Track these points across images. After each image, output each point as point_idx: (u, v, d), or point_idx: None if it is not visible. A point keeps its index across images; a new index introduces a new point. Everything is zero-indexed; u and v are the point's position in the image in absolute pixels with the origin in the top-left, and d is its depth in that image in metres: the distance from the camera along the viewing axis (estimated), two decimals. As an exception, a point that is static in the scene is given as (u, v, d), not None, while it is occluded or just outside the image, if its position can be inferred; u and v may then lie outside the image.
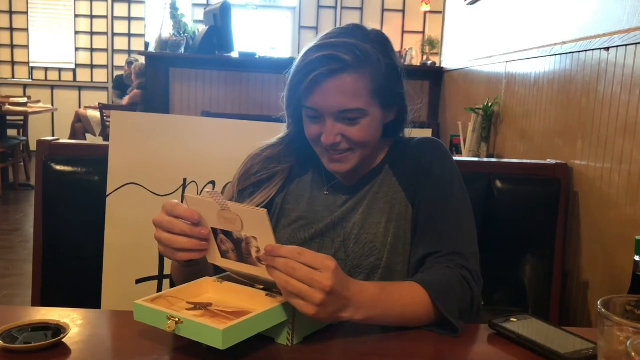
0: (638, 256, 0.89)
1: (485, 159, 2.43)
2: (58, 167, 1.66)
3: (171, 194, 1.63)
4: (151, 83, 4.29)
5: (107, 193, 1.60)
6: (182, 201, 1.65)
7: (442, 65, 4.51)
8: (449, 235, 1.09)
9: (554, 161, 1.79)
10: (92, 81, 8.59)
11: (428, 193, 1.14)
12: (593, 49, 1.70)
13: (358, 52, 1.05)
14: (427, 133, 1.55)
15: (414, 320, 0.95)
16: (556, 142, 1.98)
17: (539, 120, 2.18)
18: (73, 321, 0.92)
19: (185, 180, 1.64)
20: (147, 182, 1.62)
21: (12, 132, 6.79)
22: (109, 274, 1.59)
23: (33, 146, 7.60)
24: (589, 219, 1.68)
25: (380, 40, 1.12)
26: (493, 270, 1.69)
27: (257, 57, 4.27)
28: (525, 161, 1.90)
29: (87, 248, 1.62)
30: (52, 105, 8.09)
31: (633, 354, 0.51)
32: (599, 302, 0.59)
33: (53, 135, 8.16)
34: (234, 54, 4.41)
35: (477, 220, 1.68)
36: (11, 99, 6.80)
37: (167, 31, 4.84)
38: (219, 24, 4.33)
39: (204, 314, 0.88)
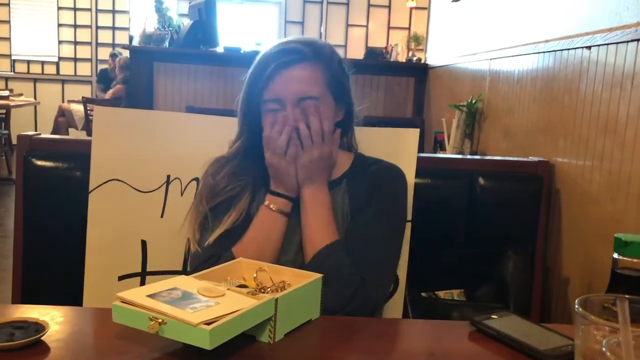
0: (617, 254, 0.90)
1: (469, 156, 2.44)
2: (39, 163, 1.64)
3: (155, 190, 1.62)
4: (135, 77, 4.26)
5: (90, 190, 1.57)
6: (165, 197, 1.66)
7: (427, 62, 4.52)
8: (363, 262, 1.19)
9: (536, 158, 1.80)
10: (75, 74, 8.49)
11: (363, 218, 1.24)
12: (575, 48, 1.71)
13: (313, 46, 1.21)
14: (414, 133, 1.53)
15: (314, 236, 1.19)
16: (538, 139, 1.99)
17: (522, 118, 2.19)
18: (53, 319, 0.91)
19: (169, 177, 1.62)
20: (130, 178, 1.60)
21: (-8, 125, 6.71)
22: (90, 271, 1.57)
23: (15, 140, 7.46)
24: (570, 216, 1.70)
25: (327, 44, 1.28)
26: (475, 267, 1.71)
27: (242, 52, 4.26)
28: (507, 158, 1.92)
29: (69, 244, 1.59)
30: (35, 98, 7.99)
31: (608, 353, 0.52)
32: (576, 302, 0.60)
33: (36, 129, 8.09)
34: (219, 49, 4.38)
35: (460, 216, 1.71)
36: (-7, 92, 6.72)
37: (152, 25, 4.80)
38: (203, 18, 4.30)
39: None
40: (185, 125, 1.66)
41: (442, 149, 3.04)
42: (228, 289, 0.95)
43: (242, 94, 1.27)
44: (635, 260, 0.88)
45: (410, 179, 1.44)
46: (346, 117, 1.30)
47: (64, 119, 7.16)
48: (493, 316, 0.98)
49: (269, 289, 1.05)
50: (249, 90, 1.24)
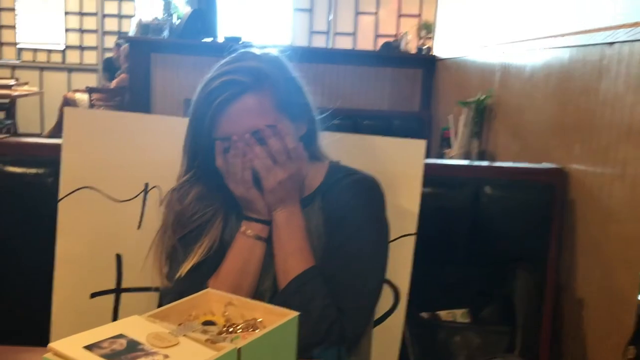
0: (642, 296, 0.76)
1: (475, 163, 2.29)
2: (6, 168, 1.53)
3: (131, 199, 1.49)
4: (132, 69, 4.13)
5: (59, 198, 1.46)
6: (143, 207, 1.54)
7: (435, 54, 4.36)
8: (341, 291, 1.11)
9: (548, 165, 1.65)
10: (81, 63, 8.41)
11: (339, 240, 1.14)
12: (595, 44, 1.55)
13: (254, 72, 1.09)
14: (421, 145, 1.40)
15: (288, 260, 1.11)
16: (551, 143, 1.84)
17: (534, 118, 2.04)
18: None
19: (147, 185, 1.50)
20: (104, 186, 1.48)
21: (-1, 115, 6.67)
22: (60, 287, 1.46)
23: (22, 128, 7.47)
24: (585, 231, 1.54)
25: (272, 58, 1.16)
26: (480, 285, 1.58)
27: (240, 42, 4.11)
28: (516, 165, 1.77)
29: (37, 260, 1.47)
30: (41, 87, 7.94)
31: None
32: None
33: (42, 118, 7.99)
34: (220, 39, 4.24)
35: (464, 229, 1.57)
36: (-2, 81, 6.68)
37: (153, 14, 4.66)
38: (203, 6, 4.16)
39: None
40: (164, 128, 1.53)
41: (449, 146, 2.89)
42: (184, 335, 0.82)
43: (188, 133, 1.16)
44: (664, 305, 0.74)
45: (417, 192, 1.36)
46: (310, 129, 1.20)
47: (68, 109, 7.06)
48: (495, 362, 0.88)
49: (239, 328, 0.93)
50: (194, 130, 1.14)
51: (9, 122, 6.43)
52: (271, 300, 1.09)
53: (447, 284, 1.56)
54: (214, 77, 1.09)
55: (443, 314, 1.55)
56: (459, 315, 1.55)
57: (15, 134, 6.59)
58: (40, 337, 1.38)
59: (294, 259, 1.11)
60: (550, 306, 1.53)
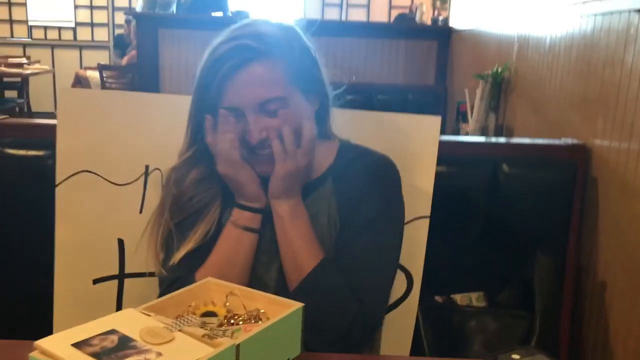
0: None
1: (492, 139, 2.21)
2: (6, 151, 1.48)
3: (131, 182, 1.44)
4: (141, 45, 4.07)
5: (57, 182, 1.41)
6: (144, 190, 1.49)
7: (450, 25, 4.24)
8: (361, 281, 1.05)
9: (569, 141, 1.57)
10: (92, 40, 8.36)
11: (356, 228, 1.08)
12: (621, 11, 1.46)
13: (267, 39, 1.02)
14: (436, 121, 1.33)
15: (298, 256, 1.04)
16: (573, 117, 1.75)
17: (554, 92, 1.94)
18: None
19: (147, 167, 1.44)
20: (103, 169, 1.43)
21: (11, 94, 6.65)
22: (61, 274, 1.42)
23: (35, 107, 7.47)
24: (608, 211, 1.47)
25: (286, 26, 1.10)
26: (497, 268, 1.51)
27: (248, 17, 4.02)
28: (536, 141, 1.69)
29: (38, 246, 1.44)
30: (53, 65, 7.91)
31: None
32: None
33: (55, 96, 8.00)
34: (228, 13, 4.15)
35: (481, 209, 1.50)
36: (9, 59, 6.65)
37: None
38: (211, -20, 4.08)
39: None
40: (165, 108, 1.47)
41: (465, 121, 2.80)
42: (180, 330, 0.77)
43: (192, 103, 1.09)
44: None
45: (431, 172, 1.30)
46: (322, 106, 1.13)
47: (80, 87, 7.04)
48: (514, 356, 0.85)
49: (240, 319, 0.88)
50: (199, 99, 1.07)
51: (21, 101, 6.43)
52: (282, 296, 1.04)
53: (463, 267, 1.50)
54: (223, 42, 1.03)
55: (458, 298, 1.49)
56: (475, 298, 1.49)
57: (29, 113, 6.58)
58: (43, 325, 1.36)
59: (304, 255, 1.05)
60: (571, 289, 1.46)
